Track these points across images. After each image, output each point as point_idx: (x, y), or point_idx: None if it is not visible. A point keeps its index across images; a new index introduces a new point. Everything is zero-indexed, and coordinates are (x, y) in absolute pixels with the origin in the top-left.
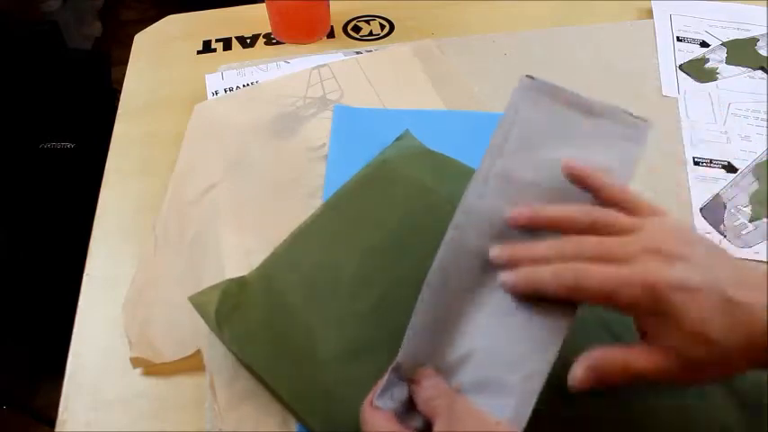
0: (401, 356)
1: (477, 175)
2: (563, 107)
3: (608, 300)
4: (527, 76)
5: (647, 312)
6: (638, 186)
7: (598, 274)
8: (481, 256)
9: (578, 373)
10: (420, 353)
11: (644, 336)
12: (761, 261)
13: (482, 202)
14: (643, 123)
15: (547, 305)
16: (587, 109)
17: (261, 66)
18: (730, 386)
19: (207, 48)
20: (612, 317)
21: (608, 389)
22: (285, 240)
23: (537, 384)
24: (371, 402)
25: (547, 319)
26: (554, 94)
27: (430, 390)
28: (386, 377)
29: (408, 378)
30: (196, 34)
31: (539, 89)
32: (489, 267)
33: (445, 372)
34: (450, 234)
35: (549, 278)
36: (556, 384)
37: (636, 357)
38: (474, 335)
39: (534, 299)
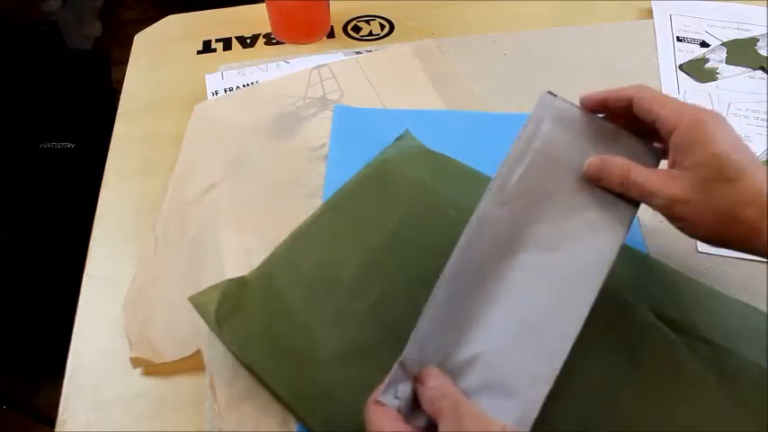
0: (407, 352)
1: (493, 183)
2: (585, 124)
3: (658, 108)
4: (549, 92)
5: (685, 129)
6: None
7: (653, 91)
8: (494, 261)
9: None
10: (426, 351)
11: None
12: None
13: (498, 210)
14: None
15: (556, 311)
16: (607, 128)
17: (261, 66)
18: (731, 385)
19: (207, 48)
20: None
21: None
22: (285, 240)
23: (543, 389)
24: (375, 399)
25: (556, 325)
26: (577, 111)
27: (435, 390)
28: (391, 372)
29: (413, 376)
30: (196, 34)
31: (561, 107)
32: (502, 272)
33: (451, 372)
34: (463, 239)
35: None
36: (558, 394)
37: (640, 168)
38: (482, 338)
39: (546, 297)
